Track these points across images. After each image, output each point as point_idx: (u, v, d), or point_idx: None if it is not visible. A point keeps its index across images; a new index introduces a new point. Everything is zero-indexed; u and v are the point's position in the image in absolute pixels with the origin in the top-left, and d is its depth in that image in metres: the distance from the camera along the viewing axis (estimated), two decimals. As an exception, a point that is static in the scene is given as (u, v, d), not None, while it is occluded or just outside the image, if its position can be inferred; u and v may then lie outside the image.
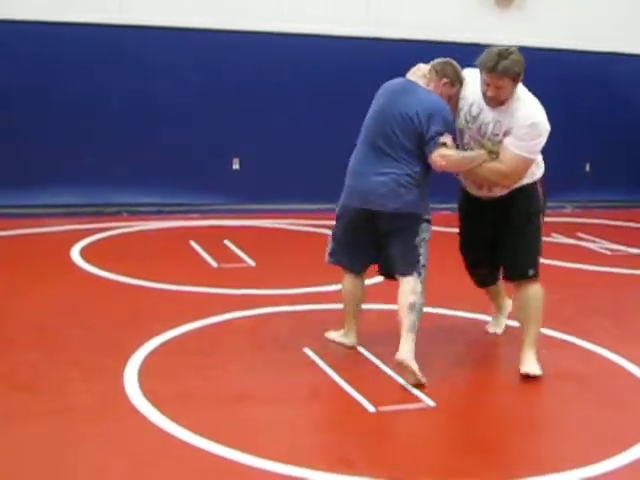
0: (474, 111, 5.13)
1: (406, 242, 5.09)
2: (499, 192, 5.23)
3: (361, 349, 5.49)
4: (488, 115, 5.07)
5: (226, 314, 6.11)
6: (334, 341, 5.49)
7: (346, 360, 5.33)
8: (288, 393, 4.82)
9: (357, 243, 5.30)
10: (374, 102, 5.23)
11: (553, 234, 9.37)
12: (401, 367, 4.94)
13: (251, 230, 9.31)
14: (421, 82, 5.14)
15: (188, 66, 9.92)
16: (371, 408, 4.60)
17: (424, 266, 5.12)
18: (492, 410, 4.81)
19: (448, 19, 10.70)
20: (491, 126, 5.06)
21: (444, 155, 4.94)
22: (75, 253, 7.83)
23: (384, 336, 5.68)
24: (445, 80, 5.15)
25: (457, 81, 5.19)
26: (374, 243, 5.25)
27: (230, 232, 8.95)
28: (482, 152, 5.05)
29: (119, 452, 4.04)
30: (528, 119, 4.98)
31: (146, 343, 5.42)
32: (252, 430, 4.35)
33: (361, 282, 5.45)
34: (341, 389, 4.86)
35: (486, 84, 4.97)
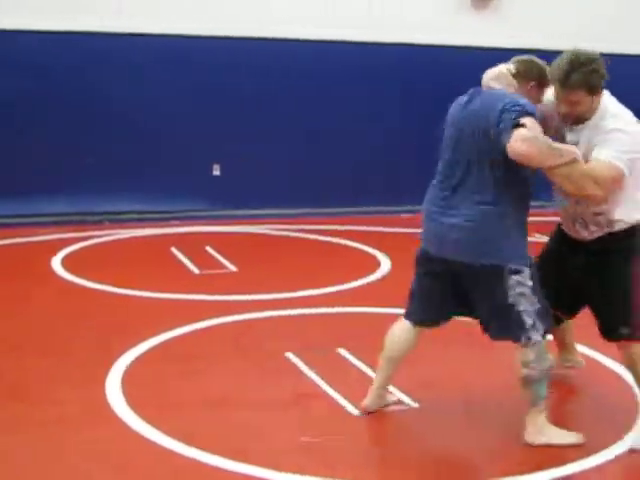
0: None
1: (497, 305, 4.18)
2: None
3: (344, 352, 5.50)
4: (567, 136, 4.27)
5: (208, 320, 6.11)
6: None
7: (329, 364, 5.33)
8: (271, 398, 4.82)
9: (429, 294, 4.43)
10: (446, 127, 4.29)
11: (535, 234, 9.36)
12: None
13: (232, 236, 9.31)
14: (508, 89, 4.20)
15: (167, 72, 9.90)
16: (355, 411, 4.62)
17: (534, 322, 4.17)
18: (475, 411, 4.82)
19: (424, 21, 10.70)
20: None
21: (525, 138, 3.87)
22: (57, 262, 7.81)
23: (367, 339, 5.69)
24: (532, 84, 4.29)
25: (545, 82, 4.29)
26: (449, 295, 4.38)
27: (211, 238, 8.95)
28: (573, 147, 4.08)
29: (101, 459, 4.03)
30: (618, 125, 4.14)
31: (129, 351, 5.42)
32: (235, 435, 4.35)
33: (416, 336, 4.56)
34: (324, 393, 4.86)
35: (557, 99, 4.22)
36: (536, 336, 4.15)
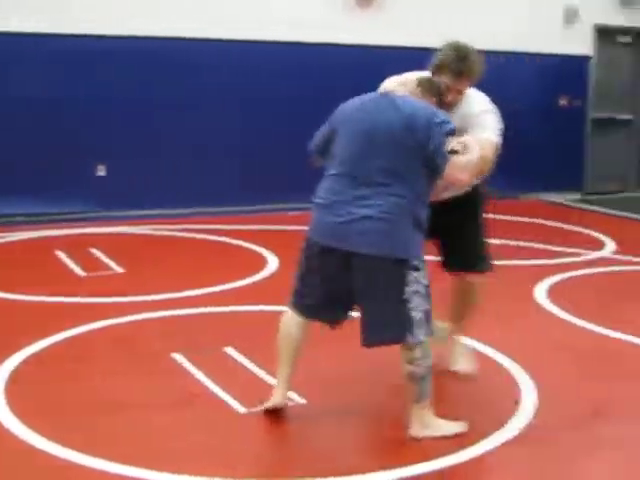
0: None
1: (391, 299, 4.21)
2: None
3: (230, 351, 5.51)
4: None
5: (95, 323, 6.05)
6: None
7: (216, 363, 5.33)
8: (159, 399, 4.81)
9: (329, 290, 4.40)
10: (341, 125, 4.34)
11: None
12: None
13: (118, 237, 9.21)
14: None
15: (49, 74, 9.74)
16: (241, 409, 4.64)
17: (421, 321, 4.25)
18: (361, 405, 4.88)
19: (308, 20, 10.75)
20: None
21: (463, 168, 4.19)
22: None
23: (254, 337, 5.73)
24: (434, 99, 4.47)
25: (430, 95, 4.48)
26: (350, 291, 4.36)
27: (97, 240, 8.84)
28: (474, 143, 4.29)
29: (-16, 469, 3.98)
30: (483, 107, 4.77)
31: (13, 356, 5.32)
32: (124, 438, 4.32)
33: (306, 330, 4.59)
34: (211, 392, 4.87)
35: (447, 89, 4.54)
36: (422, 336, 4.23)
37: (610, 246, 9.25)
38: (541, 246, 9.09)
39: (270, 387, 4.89)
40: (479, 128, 4.58)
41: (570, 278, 7.81)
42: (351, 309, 4.49)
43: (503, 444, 4.34)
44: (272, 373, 5.04)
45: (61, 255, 8.11)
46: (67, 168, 9.90)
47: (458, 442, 4.31)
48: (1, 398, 4.70)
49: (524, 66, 12.42)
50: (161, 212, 10.06)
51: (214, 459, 4.14)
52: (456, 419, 4.50)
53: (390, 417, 4.69)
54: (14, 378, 5.01)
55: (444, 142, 4.13)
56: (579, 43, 12.78)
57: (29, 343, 5.55)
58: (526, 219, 10.89)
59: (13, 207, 9.73)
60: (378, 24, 11.21)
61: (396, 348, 4.30)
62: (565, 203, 12.45)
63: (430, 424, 4.38)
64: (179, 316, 6.29)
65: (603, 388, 5.23)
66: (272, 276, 7.50)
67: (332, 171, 4.31)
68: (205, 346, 5.64)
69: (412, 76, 4.56)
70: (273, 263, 7.91)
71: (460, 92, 4.64)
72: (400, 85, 4.45)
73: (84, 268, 7.63)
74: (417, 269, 4.20)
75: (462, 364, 5.31)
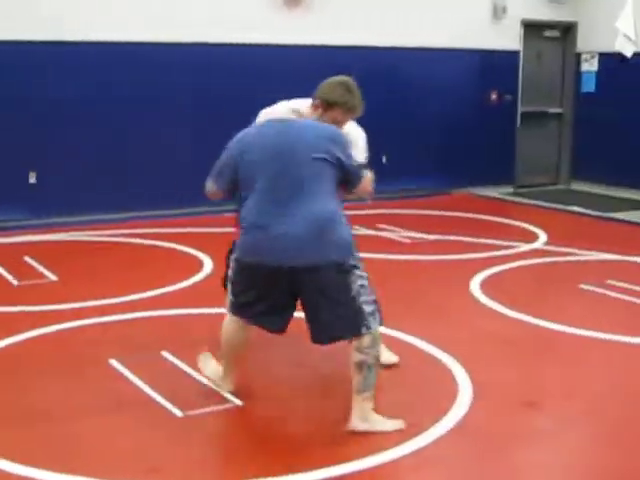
0: None
1: (341, 302, 4.38)
2: None
3: (166, 354, 5.49)
4: None
5: (29, 332, 5.98)
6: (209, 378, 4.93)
7: (152, 368, 5.31)
8: (94, 405, 4.78)
9: (268, 303, 4.53)
10: (247, 155, 4.48)
11: (355, 226, 9.56)
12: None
13: (52, 245, 9.10)
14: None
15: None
16: (179, 413, 4.63)
17: (373, 311, 4.47)
18: (299, 403, 4.91)
19: (235, 20, 10.73)
20: None
21: (370, 182, 4.83)
22: None
23: (189, 340, 5.72)
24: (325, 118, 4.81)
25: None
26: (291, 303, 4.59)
27: (30, 248, 8.73)
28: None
29: None
30: (359, 134, 5.39)
31: (-56, 368, 5.27)
32: (59, 446, 4.30)
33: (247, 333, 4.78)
34: (148, 397, 4.85)
35: (336, 121, 4.82)
36: (374, 325, 4.42)
37: (543, 238, 9.37)
38: (474, 240, 9.17)
39: (207, 389, 4.90)
40: (360, 152, 5.27)
41: (504, 270, 7.90)
42: (291, 316, 4.62)
43: (440, 437, 4.39)
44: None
45: (-7, 264, 8.01)
46: (-3, 176, 9.78)
47: (395, 437, 4.35)
48: None
49: (456, 62, 12.52)
50: (94, 218, 9.95)
51: (143, 463, 4.13)
52: (392, 414, 4.55)
53: (329, 417, 4.72)
54: (-54, 390, 4.96)
55: (353, 158, 4.58)
56: (508, 38, 12.93)
57: (-38, 354, 5.49)
58: (459, 213, 10.98)
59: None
60: (309, 23, 11.24)
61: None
62: (497, 197, 12.58)
63: (369, 418, 4.48)
64: (115, 322, 6.25)
65: (537, 378, 5.31)
66: (207, 278, 7.47)
67: (255, 195, 4.43)
68: (142, 351, 5.61)
69: (294, 104, 4.97)
70: (208, 266, 7.89)
71: (344, 124, 4.95)
72: (294, 112, 4.75)
73: (17, 277, 7.53)
74: (356, 266, 4.40)
75: (384, 355, 5.28)
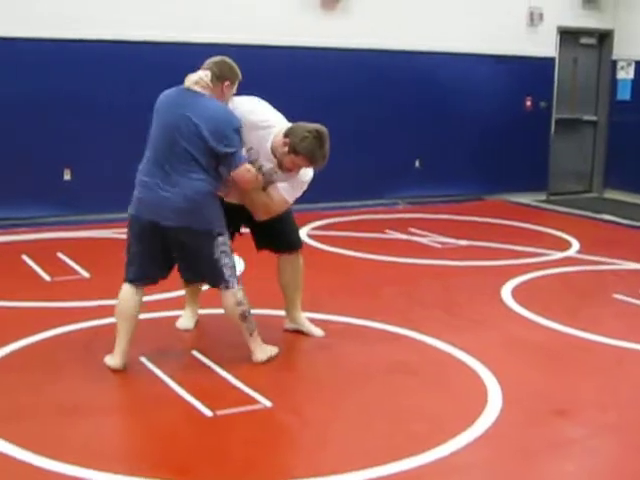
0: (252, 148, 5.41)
1: (205, 259, 5.19)
2: None
3: (197, 354, 5.51)
4: (267, 164, 5.41)
5: (61, 327, 6.02)
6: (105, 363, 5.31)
7: (182, 367, 5.35)
8: (124, 403, 4.82)
9: (150, 254, 5.27)
10: (156, 114, 5.22)
11: (387, 230, 9.58)
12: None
13: (84, 241, 9.16)
14: (205, 91, 5.18)
15: (11, 75, 9.67)
16: (208, 413, 4.64)
17: (232, 273, 5.25)
18: (327, 405, 4.90)
19: (273, 22, 10.76)
20: (268, 167, 5.41)
21: (249, 169, 5.17)
22: None
23: (218, 340, 5.75)
24: (227, 83, 5.28)
25: (236, 79, 5.36)
26: (166, 254, 5.29)
27: (63, 244, 8.79)
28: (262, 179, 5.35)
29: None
30: (305, 177, 5.48)
31: (-23, 362, 5.31)
32: (89, 443, 4.31)
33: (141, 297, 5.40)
34: (178, 396, 4.86)
35: (297, 165, 5.33)
36: (234, 283, 5.23)
37: (575, 246, 9.32)
38: (507, 246, 9.14)
39: (237, 389, 4.92)
40: (291, 187, 5.47)
41: (536, 278, 7.86)
42: (171, 268, 5.41)
43: (469, 444, 4.37)
44: (239, 376, 5.08)
45: (27, 260, 8.06)
46: (33, 172, 9.83)
47: (425, 443, 4.34)
48: (-34, 404, 4.68)
49: (491, 68, 12.49)
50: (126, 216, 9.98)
51: (173, 462, 4.15)
52: (421, 419, 4.55)
53: (357, 419, 4.71)
54: (-21, 384, 4.99)
55: (238, 144, 5.09)
56: (543, 45, 12.88)
57: (-5, 348, 5.53)
58: (491, 220, 10.95)
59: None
60: (345, 26, 11.25)
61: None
62: (530, 203, 12.53)
63: (265, 350, 5.42)
64: (146, 320, 6.23)
65: (568, 387, 5.28)
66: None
67: (148, 154, 5.19)
68: (172, 349, 5.64)
69: (203, 73, 5.25)
70: (239, 265, 7.87)
71: (302, 168, 5.39)
72: (195, 84, 5.18)
73: (50, 273, 7.58)
74: (221, 235, 5.17)
75: (314, 330, 5.94)
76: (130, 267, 5.34)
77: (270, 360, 5.42)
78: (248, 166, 5.16)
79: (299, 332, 5.95)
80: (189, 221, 5.05)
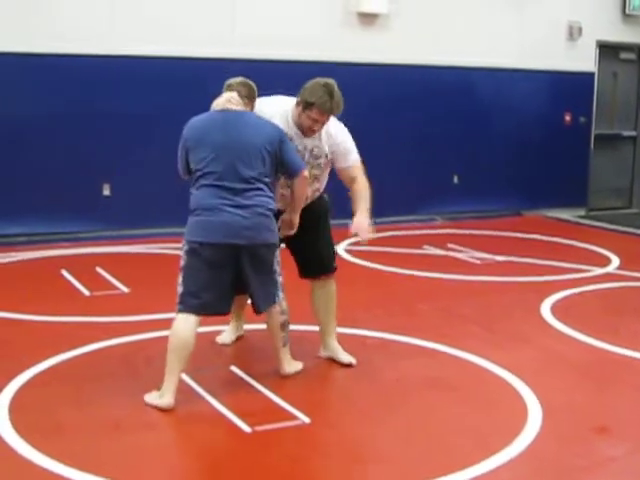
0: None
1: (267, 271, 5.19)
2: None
3: (235, 369, 5.52)
4: (301, 142, 5.41)
5: (100, 342, 6.05)
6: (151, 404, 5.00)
7: (221, 382, 5.35)
8: (164, 418, 4.81)
9: (220, 281, 5.06)
10: (199, 140, 5.12)
11: (425, 246, 9.55)
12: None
13: (123, 256, 9.22)
14: (239, 108, 5.21)
15: (51, 91, 9.77)
16: (247, 429, 4.63)
17: (281, 283, 5.29)
18: (366, 421, 4.88)
19: (312, 38, 10.81)
20: (307, 154, 5.42)
21: (305, 176, 5.23)
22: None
23: (257, 356, 5.75)
24: (253, 104, 5.34)
25: (255, 99, 5.39)
26: (235, 283, 5.13)
27: (102, 259, 8.85)
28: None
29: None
30: (342, 133, 5.49)
31: (18, 376, 5.32)
32: (129, 458, 4.32)
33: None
34: (217, 411, 4.87)
35: (313, 120, 5.28)
36: (281, 293, 5.27)
37: (615, 262, 9.24)
38: (546, 262, 9.08)
39: (275, 405, 4.91)
40: (348, 152, 5.49)
41: (576, 294, 7.81)
42: (233, 298, 5.26)
43: (509, 461, 4.34)
44: (278, 392, 5.07)
45: (66, 274, 8.11)
46: (73, 188, 9.92)
47: (466, 459, 4.31)
48: (6, 417, 4.71)
49: (529, 82, 12.45)
50: (167, 231, 10.04)
51: (212, 478, 4.17)
52: (461, 436, 4.52)
53: (395, 434, 4.69)
54: (19, 397, 5.01)
55: (293, 153, 5.19)
56: (583, 59, 12.83)
57: (35, 363, 5.56)
58: (530, 235, 10.89)
59: (16, 227, 9.73)
60: (381, 42, 11.27)
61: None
62: (569, 219, 12.45)
63: (293, 364, 5.47)
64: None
65: (609, 404, 5.23)
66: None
67: (203, 181, 5.08)
68: (211, 365, 5.65)
69: (231, 94, 5.25)
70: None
71: (324, 123, 5.35)
72: (230, 103, 5.18)
73: (89, 287, 7.63)
74: (278, 246, 5.26)
75: (343, 356, 5.73)
76: (192, 298, 5.05)
77: (296, 374, 5.47)
78: (306, 170, 5.24)
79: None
80: (266, 236, 5.07)
